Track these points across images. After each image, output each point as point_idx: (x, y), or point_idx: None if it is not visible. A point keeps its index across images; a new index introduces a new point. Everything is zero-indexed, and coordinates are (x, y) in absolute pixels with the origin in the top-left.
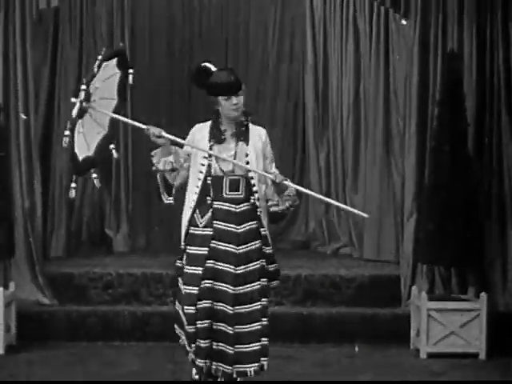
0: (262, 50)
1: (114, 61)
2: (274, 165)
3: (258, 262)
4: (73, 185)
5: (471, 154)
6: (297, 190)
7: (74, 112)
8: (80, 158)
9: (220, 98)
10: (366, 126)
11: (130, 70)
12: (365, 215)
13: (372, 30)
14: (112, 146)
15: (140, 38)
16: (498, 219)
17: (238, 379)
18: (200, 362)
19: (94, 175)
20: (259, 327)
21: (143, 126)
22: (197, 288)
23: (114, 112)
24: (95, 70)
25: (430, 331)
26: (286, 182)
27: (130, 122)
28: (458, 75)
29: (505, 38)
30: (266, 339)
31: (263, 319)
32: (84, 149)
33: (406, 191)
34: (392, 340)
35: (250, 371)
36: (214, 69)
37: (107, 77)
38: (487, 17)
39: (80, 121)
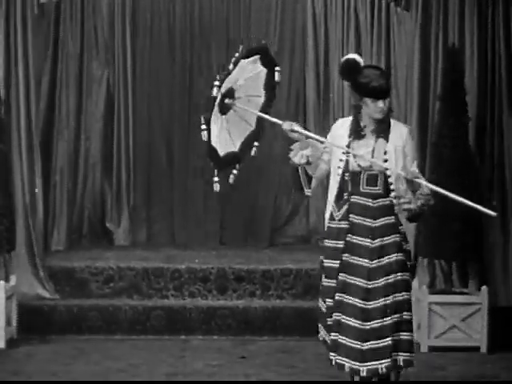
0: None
1: (255, 58)
2: (415, 163)
3: (394, 255)
4: (215, 179)
5: (472, 149)
6: (432, 190)
7: (216, 108)
8: (222, 152)
9: (368, 99)
10: None
11: (277, 68)
12: (493, 214)
13: (373, 24)
14: (256, 144)
15: (141, 32)
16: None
17: (373, 378)
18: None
19: (235, 171)
20: (391, 322)
21: (279, 122)
22: (335, 281)
23: (261, 110)
24: (231, 67)
25: (431, 325)
26: (418, 180)
27: (268, 118)
28: (459, 69)
29: (506, 31)
30: (402, 333)
31: (400, 313)
32: (229, 144)
33: None
34: None
35: (382, 368)
36: (362, 63)
37: (251, 74)
38: (488, 10)
39: (224, 116)
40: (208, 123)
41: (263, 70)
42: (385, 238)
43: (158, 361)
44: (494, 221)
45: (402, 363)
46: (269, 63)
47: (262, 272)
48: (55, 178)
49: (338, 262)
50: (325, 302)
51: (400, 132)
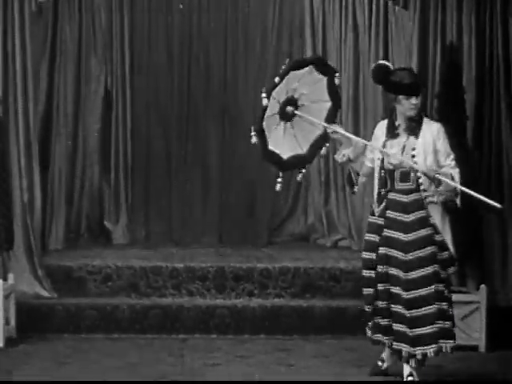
0: (260, 47)
1: (310, 69)
2: (450, 158)
3: (427, 248)
4: (279, 180)
5: (470, 147)
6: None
7: (275, 116)
8: (285, 156)
9: (401, 96)
10: (364, 118)
11: (336, 74)
12: (498, 206)
13: (371, 22)
14: (327, 144)
15: (139, 32)
16: (498, 213)
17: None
18: (376, 337)
19: (303, 170)
20: (433, 310)
21: (325, 125)
22: (374, 272)
23: (329, 113)
24: (277, 80)
25: None
26: (438, 176)
27: (318, 121)
28: (457, 67)
29: (504, 29)
30: (443, 322)
31: (437, 303)
32: (295, 148)
33: None
34: None
35: (430, 352)
36: (392, 67)
37: (312, 83)
38: (486, 8)
39: (289, 123)
40: (261, 131)
41: (323, 78)
42: (417, 232)
43: (156, 360)
44: (493, 219)
45: (448, 350)
46: (327, 71)
47: (261, 271)
48: (53, 177)
49: (374, 254)
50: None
51: (431, 129)
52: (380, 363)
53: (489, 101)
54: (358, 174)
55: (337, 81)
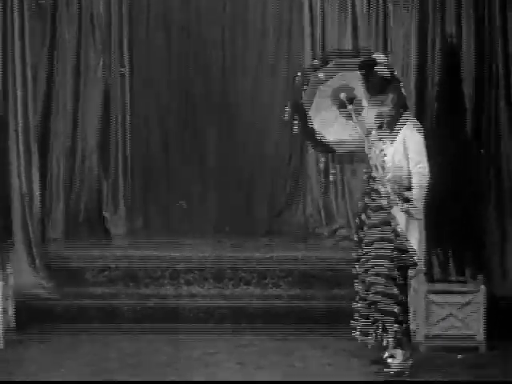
0: (259, 48)
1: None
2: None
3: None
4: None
5: (470, 138)
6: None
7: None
8: (330, 138)
9: None
10: None
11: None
12: None
13: (370, 15)
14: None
15: (138, 24)
16: (496, 203)
17: None
18: None
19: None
20: None
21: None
22: None
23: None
24: (317, 62)
25: (427, 313)
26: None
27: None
28: (456, 59)
29: (503, 25)
30: None
31: None
32: (339, 134)
33: None
34: None
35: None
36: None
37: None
38: (485, 4)
39: (342, 110)
40: (301, 107)
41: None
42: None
43: (154, 350)
44: (492, 212)
45: None
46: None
47: (259, 260)
48: (52, 167)
49: None
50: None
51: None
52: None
53: (488, 96)
54: None
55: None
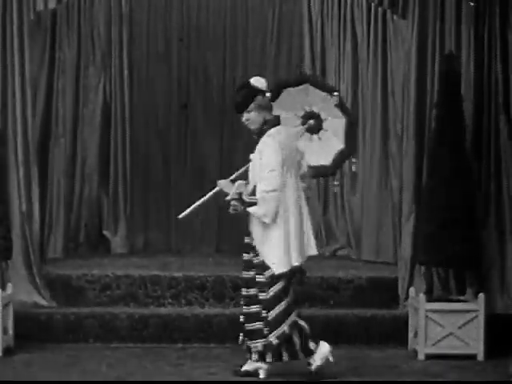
0: (260, 53)
1: (306, 86)
2: (267, 170)
3: (247, 254)
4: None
5: (469, 155)
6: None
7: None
8: (310, 163)
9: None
10: (363, 128)
11: (335, 93)
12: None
13: (370, 32)
14: (354, 160)
15: (138, 40)
16: (497, 221)
17: None
18: None
19: (336, 183)
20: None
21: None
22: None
23: (349, 123)
24: (268, 95)
25: (428, 332)
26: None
27: None
28: (456, 76)
29: (502, 38)
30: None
31: (252, 307)
32: (321, 158)
33: (404, 192)
34: (390, 341)
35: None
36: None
37: (320, 100)
38: (485, 18)
39: (315, 136)
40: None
41: (327, 95)
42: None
43: (154, 369)
44: (492, 228)
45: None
46: (326, 89)
47: None
48: (52, 186)
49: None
50: None
51: (259, 142)
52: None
53: (487, 109)
54: None
55: (335, 100)
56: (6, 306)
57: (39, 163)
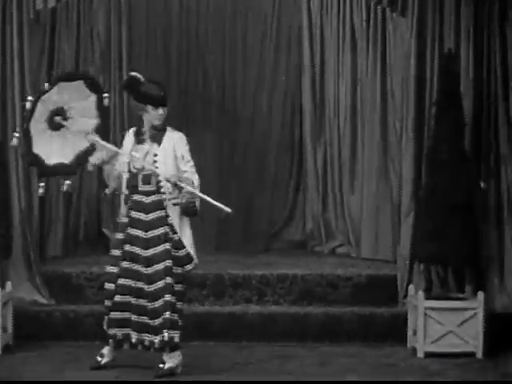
0: (259, 53)
1: (79, 83)
2: (189, 164)
3: (162, 245)
4: (41, 184)
5: (468, 154)
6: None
7: (44, 123)
8: (50, 162)
9: (149, 106)
10: (362, 126)
11: (105, 94)
12: (228, 210)
13: (369, 30)
14: (67, 182)
15: (137, 39)
16: (496, 219)
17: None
18: (111, 331)
19: (68, 182)
20: (161, 303)
21: (90, 136)
22: (116, 268)
23: (97, 131)
24: (46, 86)
25: (427, 330)
26: (178, 183)
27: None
28: (455, 75)
29: (501, 37)
30: (170, 314)
31: (166, 296)
32: (60, 156)
33: (403, 191)
34: (389, 339)
35: (155, 342)
36: (142, 79)
37: (81, 98)
38: (484, 17)
39: (56, 132)
40: (27, 133)
41: (92, 95)
42: (155, 230)
43: (152, 365)
44: (490, 226)
45: (176, 340)
46: (97, 89)
47: (259, 278)
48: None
49: (120, 251)
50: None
51: (172, 137)
52: (99, 358)
53: (487, 108)
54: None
55: (106, 101)
56: (5, 304)
57: None
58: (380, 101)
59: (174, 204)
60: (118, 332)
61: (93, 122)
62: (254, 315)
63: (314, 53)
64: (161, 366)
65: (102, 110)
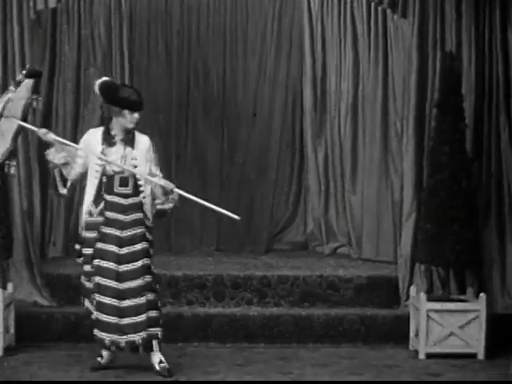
0: (260, 52)
1: (31, 82)
2: (158, 168)
3: (140, 244)
4: (13, 163)
5: (470, 155)
6: (180, 195)
7: None
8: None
9: (126, 110)
10: (363, 126)
11: (37, 96)
12: (237, 217)
13: (370, 30)
14: (14, 163)
15: (138, 40)
16: (497, 220)
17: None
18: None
19: (14, 163)
20: (143, 301)
21: (35, 129)
22: (90, 266)
23: (17, 131)
24: (12, 86)
25: (428, 332)
26: (176, 190)
27: (27, 126)
28: (456, 75)
29: (503, 38)
30: (151, 311)
31: (147, 294)
32: (4, 144)
33: (405, 192)
34: (391, 341)
35: (139, 340)
36: (117, 83)
37: (20, 97)
38: (485, 17)
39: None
40: None
41: (28, 96)
42: (132, 230)
43: (153, 367)
44: (492, 227)
45: (159, 336)
46: (35, 90)
47: (259, 279)
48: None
49: (92, 249)
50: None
51: (143, 141)
52: (99, 359)
53: (488, 109)
54: (64, 177)
55: (35, 103)
56: (7, 305)
57: (40, 161)
58: (381, 101)
59: (159, 208)
60: (106, 337)
61: (16, 121)
62: (254, 316)
63: (315, 53)
64: (162, 365)
65: (25, 111)
